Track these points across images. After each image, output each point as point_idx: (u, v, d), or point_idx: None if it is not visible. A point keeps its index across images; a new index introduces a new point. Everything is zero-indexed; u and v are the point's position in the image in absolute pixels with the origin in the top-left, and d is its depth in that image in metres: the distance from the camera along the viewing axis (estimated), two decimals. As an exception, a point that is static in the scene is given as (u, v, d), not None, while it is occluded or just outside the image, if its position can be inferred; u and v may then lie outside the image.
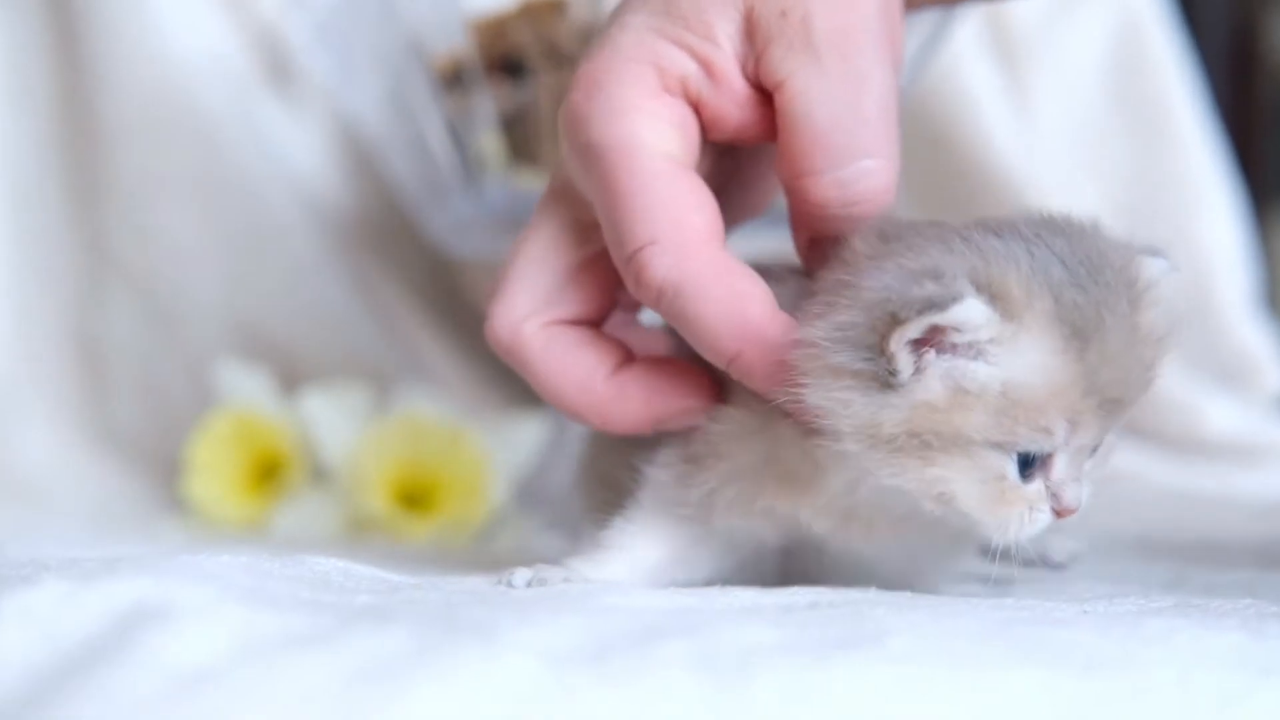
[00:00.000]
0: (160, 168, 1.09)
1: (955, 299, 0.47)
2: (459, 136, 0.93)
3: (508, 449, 0.98)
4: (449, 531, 0.95)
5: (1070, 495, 0.50)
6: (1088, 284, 0.49)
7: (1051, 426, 0.49)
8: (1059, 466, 0.50)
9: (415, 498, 0.97)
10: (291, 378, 1.06)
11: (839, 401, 0.48)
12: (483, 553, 0.89)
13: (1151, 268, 0.52)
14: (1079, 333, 0.48)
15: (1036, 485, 0.50)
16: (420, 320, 1.14)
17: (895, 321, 0.47)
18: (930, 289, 0.47)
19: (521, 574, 0.55)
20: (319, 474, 0.96)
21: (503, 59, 0.92)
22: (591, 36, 0.92)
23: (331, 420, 0.96)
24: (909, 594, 0.51)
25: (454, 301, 1.16)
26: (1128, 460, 1.23)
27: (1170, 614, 0.46)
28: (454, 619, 0.41)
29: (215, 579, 0.43)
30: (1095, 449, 0.52)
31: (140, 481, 1.05)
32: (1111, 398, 0.49)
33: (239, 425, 0.97)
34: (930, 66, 0.99)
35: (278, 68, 1.14)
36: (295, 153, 1.12)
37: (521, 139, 0.94)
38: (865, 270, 0.50)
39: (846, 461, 0.50)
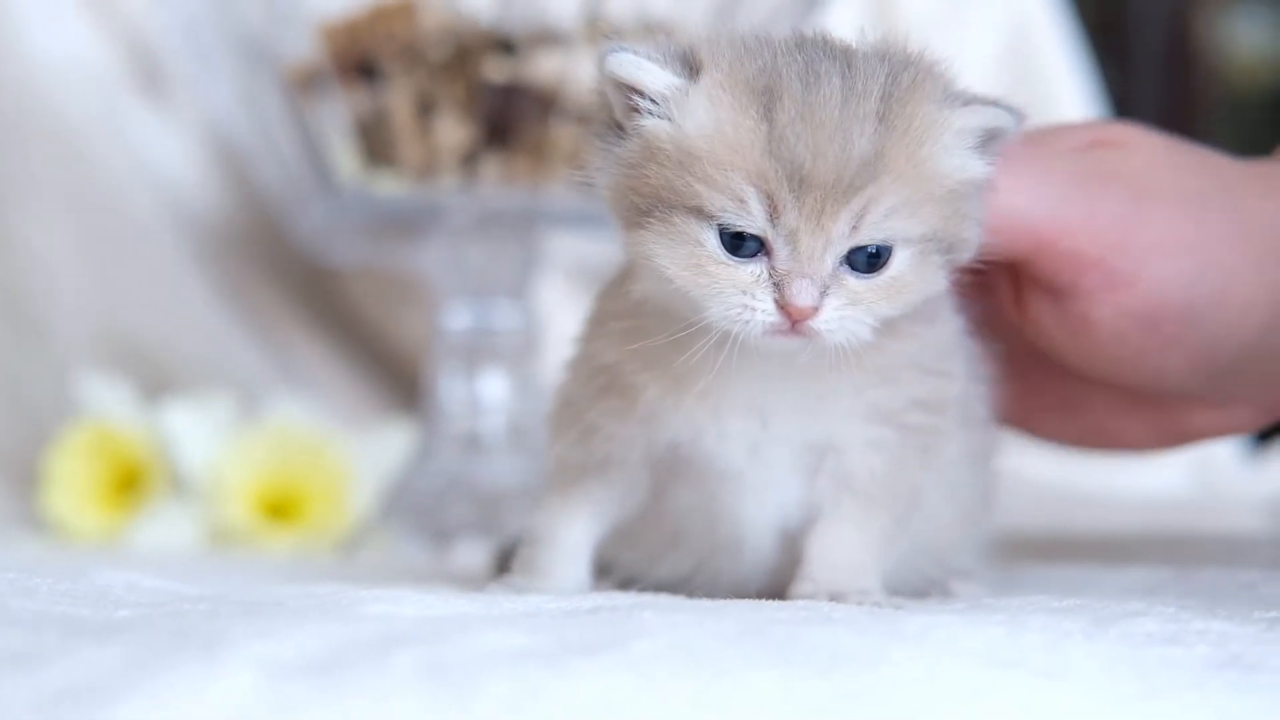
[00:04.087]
0: (22, 172, 1.07)
1: (609, 52, 0.50)
2: (313, 142, 0.92)
3: (374, 458, 0.97)
4: (312, 542, 0.94)
5: (796, 291, 0.48)
6: (813, 60, 0.49)
7: (740, 193, 0.48)
8: (780, 255, 0.48)
9: (280, 508, 0.95)
10: (161, 386, 1.04)
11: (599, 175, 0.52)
12: (343, 564, 0.88)
13: (973, 112, 0.51)
14: (765, 91, 0.48)
15: (753, 269, 0.49)
16: (294, 326, 1.13)
17: (602, 92, 0.51)
18: (603, 49, 0.50)
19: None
20: (180, 485, 0.95)
21: (357, 63, 0.91)
22: (448, 37, 0.91)
23: (193, 430, 0.95)
24: (685, 597, 0.50)
25: (329, 307, 1.15)
26: (1021, 457, 1.23)
27: (935, 611, 0.46)
28: (186, 632, 0.40)
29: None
30: (869, 267, 0.49)
31: (0, 494, 1.03)
32: (802, 167, 0.48)
33: (98, 437, 0.96)
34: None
35: (145, 70, 1.12)
36: (163, 157, 1.10)
37: (379, 143, 0.92)
38: None
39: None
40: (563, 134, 0.92)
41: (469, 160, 0.92)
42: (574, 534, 0.56)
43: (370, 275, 1.14)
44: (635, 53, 0.50)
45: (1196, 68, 1.82)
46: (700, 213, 0.48)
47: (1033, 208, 0.56)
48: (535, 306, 0.99)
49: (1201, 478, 1.28)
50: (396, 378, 1.15)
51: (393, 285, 1.14)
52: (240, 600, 0.49)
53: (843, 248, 0.49)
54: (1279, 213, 0.60)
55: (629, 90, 0.50)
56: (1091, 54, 1.39)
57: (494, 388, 0.98)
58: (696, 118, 0.49)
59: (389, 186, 0.93)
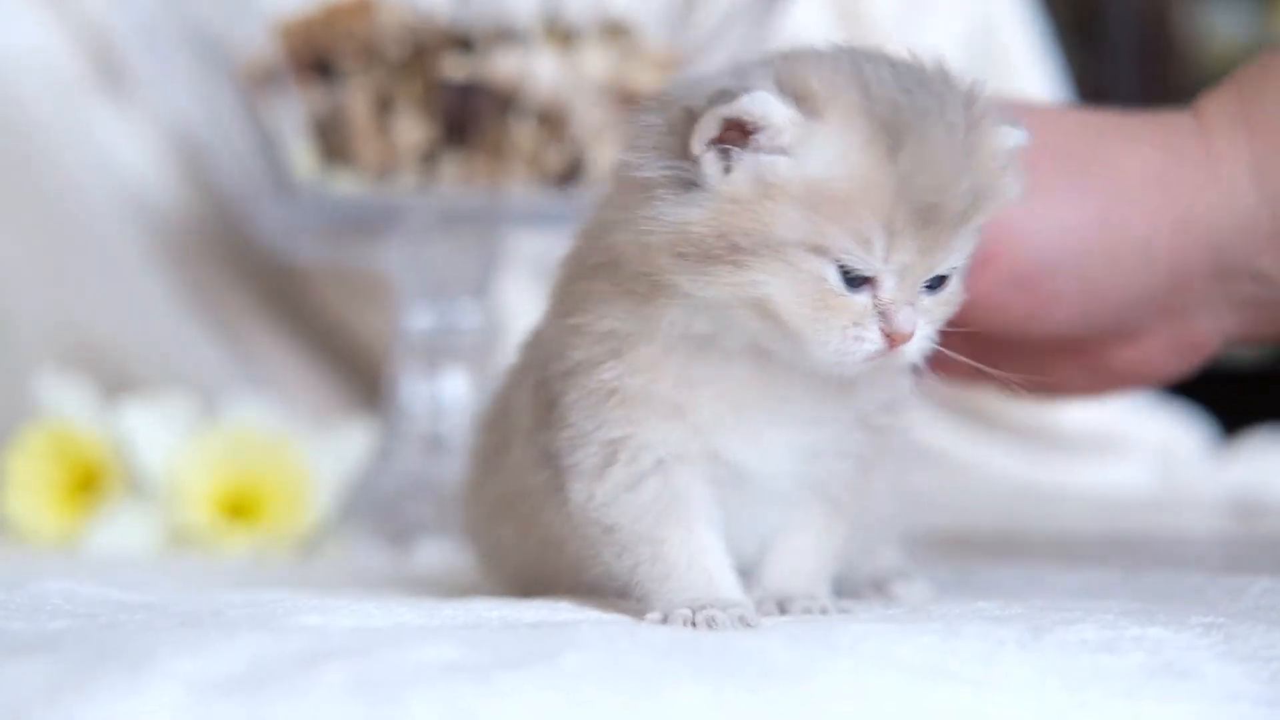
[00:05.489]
0: (-21, 171, 1.06)
1: (745, 90, 0.47)
2: (270, 141, 0.92)
3: (334, 458, 0.97)
4: (271, 543, 0.93)
5: (902, 318, 0.49)
6: (915, 92, 0.49)
7: (868, 233, 0.48)
8: (887, 285, 0.49)
9: (239, 508, 0.95)
10: (119, 386, 1.03)
11: (648, 219, 0.48)
12: (300, 566, 0.88)
13: (1009, 134, 0.52)
14: (891, 130, 0.48)
15: (864, 299, 0.49)
16: (255, 325, 1.12)
17: (692, 118, 0.48)
18: (724, 83, 0.48)
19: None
20: (139, 486, 0.94)
21: (314, 61, 0.90)
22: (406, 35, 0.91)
23: (151, 431, 0.94)
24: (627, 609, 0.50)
25: (290, 306, 1.14)
26: (981, 453, 1.23)
27: (873, 619, 0.46)
28: (115, 647, 0.39)
29: None
30: (936, 285, 0.50)
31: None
32: (928, 206, 0.48)
33: (55, 438, 0.95)
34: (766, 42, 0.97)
35: (104, 67, 1.11)
36: (124, 155, 1.09)
37: (336, 142, 0.92)
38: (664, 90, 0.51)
39: (677, 300, 0.50)
40: (522, 132, 0.92)
41: (428, 159, 0.92)
42: (703, 540, 0.52)
43: (332, 274, 1.13)
44: (766, 90, 0.48)
45: (1173, 58, 1.82)
46: (819, 249, 0.48)
47: None
48: (497, 306, 0.99)
49: (1165, 475, 1.28)
50: (358, 377, 1.14)
51: (354, 284, 1.13)
52: (179, 611, 0.49)
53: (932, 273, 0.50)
54: (1127, 158, 0.64)
55: (738, 126, 0.48)
56: (1069, 44, 1.39)
57: (455, 387, 0.97)
58: (824, 155, 0.48)
59: (347, 185, 0.92)
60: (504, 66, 0.91)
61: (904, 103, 0.48)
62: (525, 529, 0.57)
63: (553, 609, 0.51)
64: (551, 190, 0.93)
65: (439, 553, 0.91)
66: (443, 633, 0.43)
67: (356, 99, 0.90)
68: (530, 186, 0.93)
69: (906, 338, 0.49)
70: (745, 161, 0.48)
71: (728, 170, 0.48)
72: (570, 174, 0.93)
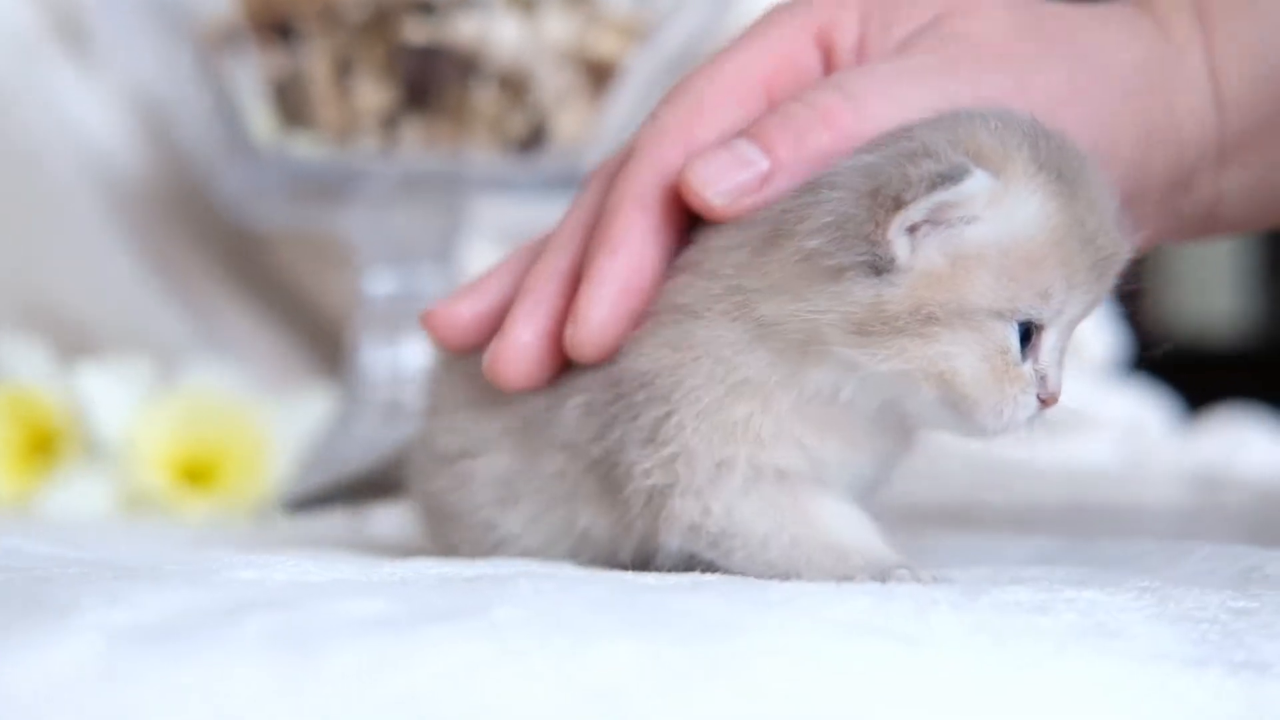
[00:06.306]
0: (-65, 132, 1.05)
1: (965, 172, 0.45)
2: (230, 102, 0.91)
3: (294, 423, 0.96)
4: (229, 508, 0.93)
5: (1056, 379, 0.48)
6: (1055, 138, 0.48)
7: (1051, 288, 0.47)
8: (1047, 345, 0.48)
9: (197, 473, 0.94)
10: (77, 349, 1.03)
11: (833, 296, 0.47)
12: (257, 531, 0.88)
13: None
14: (1064, 180, 0.47)
15: (1029, 367, 0.48)
16: (217, 290, 1.11)
17: (898, 205, 0.45)
18: (932, 165, 0.45)
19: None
20: (96, 450, 0.94)
21: (275, 22, 0.90)
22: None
23: (109, 395, 0.94)
24: (564, 564, 0.49)
25: (253, 271, 1.14)
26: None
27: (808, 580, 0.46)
28: (38, 598, 0.39)
29: None
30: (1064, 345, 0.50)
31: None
32: (1104, 252, 0.48)
33: (12, 401, 0.94)
34: (717, 29, 0.97)
35: (67, 28, 1.10)
36: (84, 117, 1.08)
37: (296, 105, 0.91)
38: (831, 170, 0.48)
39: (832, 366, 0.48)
40: (483, 97, 0.91)
41: (389, 123, 0.91)
42: (838, 506, 0.51)
43: (293, 239, 1.12)
44: (978, 168, 0.46)
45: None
46: (1003, 313, 0.46)
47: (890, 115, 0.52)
48: (459, 272, 0.98)
49: (1129, 450, 1.28)
50: (319, 342, 1.14)
51: (315, 249, 1.12)
52: (116, 566, 0.49)
53: None
54: (1110, 45, 0.57)
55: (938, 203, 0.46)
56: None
57: (417, 354, 0.97)
58: (1015, 217, 0.47)
59: (307, 149, 0.92)
60: (465, 30, 0.90)
61: (1061, 152, 0.48)
62: (539, 518, 0.54)
63: (495, 565, 0.51)
64: (513, 156, 0.93)
65: (396, 519, 0.91)
66: (377, 588, 0.43)
67: (317, 62, 0.90)
68: (492, 152, 0.93)
69: (1057, 399, 0.48)
70: (937, 235, 0.46)
71: (913, 245, 0.46)
72: (532, 139, 0.92)
